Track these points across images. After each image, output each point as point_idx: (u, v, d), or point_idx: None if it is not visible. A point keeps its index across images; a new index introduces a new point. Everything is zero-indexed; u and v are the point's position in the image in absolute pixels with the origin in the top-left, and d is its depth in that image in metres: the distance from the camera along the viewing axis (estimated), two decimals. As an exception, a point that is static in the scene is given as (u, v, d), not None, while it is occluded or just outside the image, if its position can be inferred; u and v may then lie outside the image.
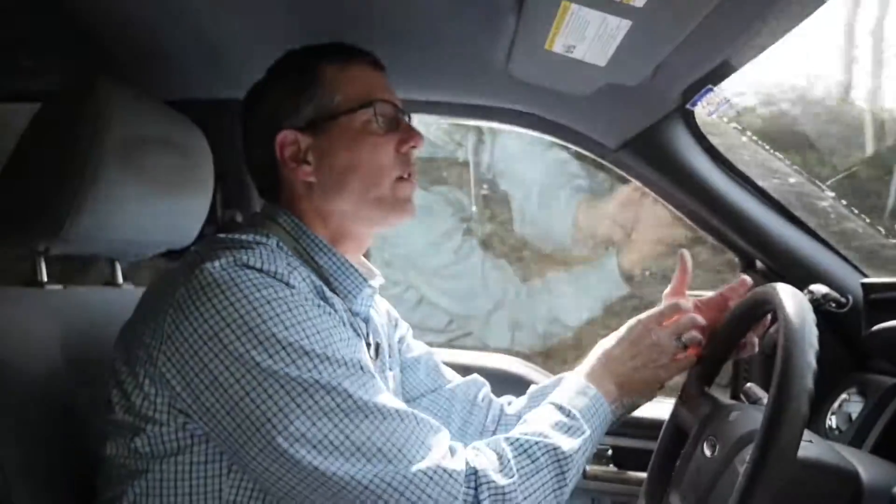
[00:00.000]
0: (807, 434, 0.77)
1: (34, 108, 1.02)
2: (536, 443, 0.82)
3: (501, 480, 0.77)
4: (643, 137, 1.32)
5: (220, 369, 0.71)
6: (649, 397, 0.98)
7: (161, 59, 1.27)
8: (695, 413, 0.99)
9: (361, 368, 0.76)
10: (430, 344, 1.24)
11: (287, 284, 0.76)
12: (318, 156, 0.91)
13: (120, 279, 1.23)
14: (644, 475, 1.08)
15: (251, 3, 1.07)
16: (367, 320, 0.99)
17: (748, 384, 1.00)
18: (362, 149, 0.90)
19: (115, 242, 1.06)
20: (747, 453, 0.79)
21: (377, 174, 0.91)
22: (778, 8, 0.92)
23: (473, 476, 0.77)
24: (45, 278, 1.04)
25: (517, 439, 0.83)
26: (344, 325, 0.84)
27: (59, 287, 1.05)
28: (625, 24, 0.86)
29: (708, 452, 0.87)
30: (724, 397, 0.96)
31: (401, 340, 1.16)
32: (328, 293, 0.85)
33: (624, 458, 1.45)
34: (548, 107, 1.36)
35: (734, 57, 1.09)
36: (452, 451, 0.79)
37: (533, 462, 0.81)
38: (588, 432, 0.87)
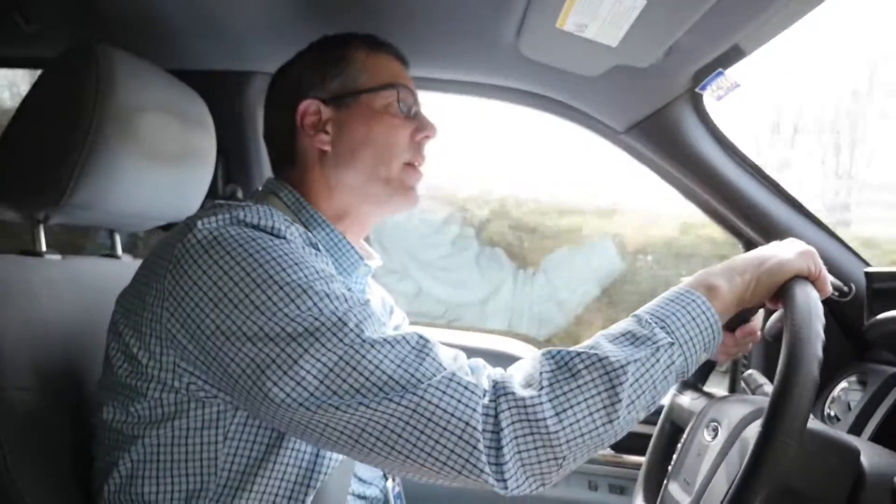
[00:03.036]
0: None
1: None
2: (579, 354, 0.71)
3: (524, 392, 0.69)
4: (651, 120, 1.31)
5: (222, 317, 0.70)
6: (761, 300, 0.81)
7: (163, 28, 1.25)
8: (690, 407, 1.00)
9: (361, 302, 0.75)
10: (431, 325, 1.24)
11: (283, 237, 0.77)
12: (336, 127, 0.94)
13: (119, 250, 1.22)
14: (641, 459, 1.09)
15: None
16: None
17: (749, 371, 1.01)
18: (379, 127, 0.94)
19: (115, 213, 1.04)
20: (749, 433, 0.80)
21: (389, 154, 0.94)
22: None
23: (494, 388, 0.70)
24: (44, 247, 1.03)
25: (559, 351, 0.73)
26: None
27: (57, 257, 1.04)
28: (640, 4, 0.85)
29: (709, 438, 0.87)
30: (724, 383, 0.96)
31: (397, 329, 1.15)
32: (323, 252, 0.85)
33: (621, 442, 1.46)
34: (556, 87, 1.35)
35: (745, 41, 1.08)
36: (472, 369, 0.75)
37: (572, 375, 0.70)
38: (665, 341, 0.72)
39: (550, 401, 0.68)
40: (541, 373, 0.71)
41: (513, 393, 0.69)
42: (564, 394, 0.69)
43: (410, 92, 0.97)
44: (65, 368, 0.92)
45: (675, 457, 0.95)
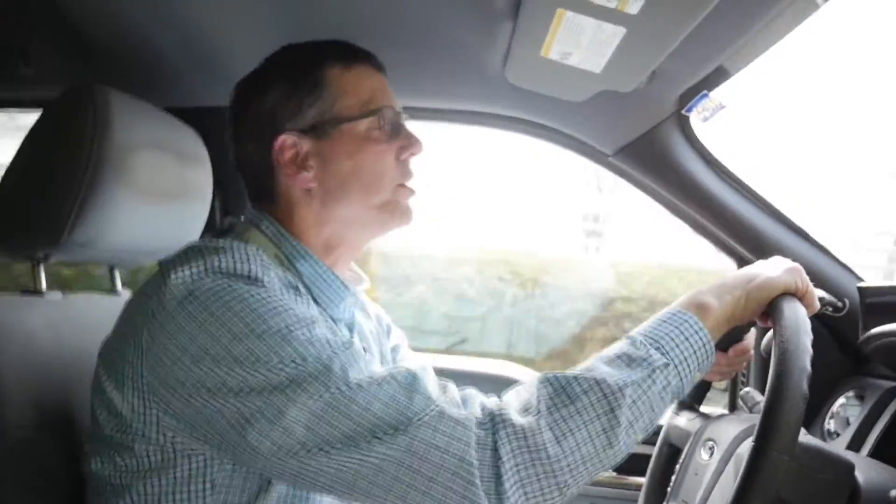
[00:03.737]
0: (803, 435, 0.77)
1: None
2: (576, 378, 0.70)
3: (521, 419, 0.68)
4: (639, 143, 1.33)
5: (202, 373, 0.69)
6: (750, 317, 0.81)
7: (159, 67, 1.27)
8: (687, 427, 1.00)
9: (345, 345, 0.73)
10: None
11: (260, 283, 0.74)
12: (319, 161, 0.88)
13: (119, 286, 1.23)
14: (642, 479, 1.09)
15: (248, 11, 1.08)
16: (350, 326, 0.97)
17: (745, 389, 1.01)
18: (365, 156, 0.88)
19: (115, 250, 1.06)
20: (743, 450, 0.80)
21: (379, 181, 0.90)
22: (772, 13, 0.93)
23: (490, 418, 0.69)
24: (44, 287, 1.04)
25: (555, 376, 0.72)
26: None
27: (58, 295, 1.05)
28: (620, 31, 0.87)
29: (705, 456, 0.88)
30: (718, 408, 0.96)
31: (395, 349, 1.13)
32: (303, 293, 0.83)
33: (622, 463, 1.45)
34: (544, 113, 1.37)
35: (729, 62, 1.10)
36: (464, 400, 0.73)
37: (571, 399, 0.69)
38: (661, 362, 0.72)
39: (550, 427, 0.68)
40: (538, 398, 0.70)
41: (511, 421, 0.68)
42: (564, 419, 0.68)
43: (391, 108, 0.91)
44: (65, 408, 0.92)
45: (673, 477, 0.95)
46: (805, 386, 0.67)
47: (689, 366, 0.74)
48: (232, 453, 0.71)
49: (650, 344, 0.74)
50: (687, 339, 0.75)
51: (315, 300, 0.87)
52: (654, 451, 1.08)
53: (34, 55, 1.27)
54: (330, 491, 0.70)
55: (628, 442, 0.70)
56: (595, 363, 0.73)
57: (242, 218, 0.94)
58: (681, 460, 0.95)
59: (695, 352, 0.74)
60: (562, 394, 0.70)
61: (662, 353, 0.73)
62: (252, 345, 0.69)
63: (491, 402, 0.73)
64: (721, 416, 0.94)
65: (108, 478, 0.78)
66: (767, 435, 0.66)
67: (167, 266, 0.75)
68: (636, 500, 1.11)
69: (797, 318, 0.74)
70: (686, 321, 0.76)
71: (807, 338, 0.71)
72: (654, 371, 0.71)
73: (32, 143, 0.99)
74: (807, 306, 0.80)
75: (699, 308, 0.77)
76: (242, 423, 0.68)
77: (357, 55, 0.93)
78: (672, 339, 0.74)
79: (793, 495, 0.71)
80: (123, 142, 0.98)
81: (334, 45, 0.93)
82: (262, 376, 0.68)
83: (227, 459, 0.75)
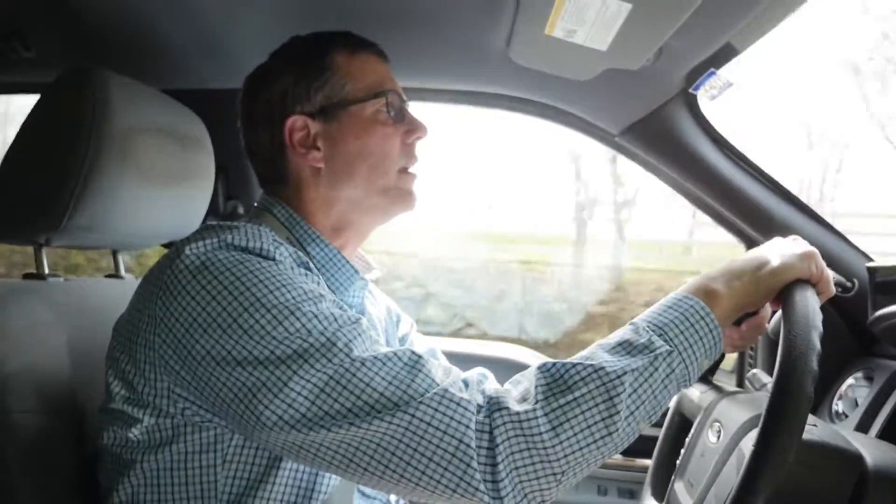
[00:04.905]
0: (811, 419, 0.76)
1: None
2: (574, 366, 0.70)
3: (519, 407, 0.68)
4: (646, 122, 1.31)
5: (211, 343, 0.70)
6: (761, 303, 0.79)
7: (159, 49, 1.26)
8: (699, 401, 0.99)
9: (352, 320, 0.74)
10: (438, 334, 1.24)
11: (271, 259, 0.76)
12: (327, 143, 0.91)
13: (122, 271, 1.23)
14: (649, 462, 1.08)
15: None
16: (361, 313, 0.98)
17: (753, 370, 1.00)
18: (372, 138, 0.92)
19: (116, 234, 1.05)
20: (752, 438, 0.79)
21: (384, 163, 0.92)
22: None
23: (488, 403, 0.69)
24: (46, 270, 1.04)
25: (553, 364, 0.71)
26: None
27: (60, 279, 1.05)
28: (625, 7, 0.85)
29: (713, 439, 0.87)
30: (730, 384, 0.95)
31: (404, 338, 1.15)
32: (315, 272, 0.84)
33: (630, 445, 1.45)
34: (549, 93, 1.35)
35: (736, 39, 1.08)
36: (467, 384, 0.74)
37: (568, 387, 0.68)
38: (663, 349, 0.71)
39: (546, 415, 0.67)
40: (536, 386, 0.70)
41: (507, 408, 0.68)
42: (560, 407, 0.67)
43: (396, 94, 0.95)
44: (69, 391, 0.92)
45: (682, 452, 0.95)
46: (810, 388, 0.65)
47: (694, 353, 0.73)
48: (238, 424, 0.72)
49: (653, 331, 0.73)
50: (692, 325, 0.73)
51: (325, 284, 0.88)
52: (666, 420, 1.07)
53: (34, 38, 1.26)
54: (330, 467, 0.70)
55: (629, 431, 0.69)
56: (595, 350, 0.73)
57: (255, 204, 0.97)
58: (689, 437, 0.95)
59: (701, 338, 0.73)
60: (560, 382, 0.69)
61: (666, 340, 0.72)
62: (260, 317, 0.70)
63: (490, 387, 0.73)
64: (731, 394, 0.93)
65: (119, 451, 0.80)
66: (770, 441, 0.64)
67: (182, 241, 0.77)
68: (641, 483, 1.11)
69: (807, 311, 0.71)
70: (692, 307, 0.74)
71: (816, 334, 0.68)
72: (656, 358, 0.70)
73: (32, 127, 0.98)
74: (821, 292, 0.78)
75: (707, 294, 0.76)
76: (247, 393, 0.69)
77: (362, 43, 0.96)
78: (677, 326, 0.73)
79: (798, 492, 0.70)
80: (123, 124, 0.97)
81: (340, 35, 0.96)
82: (267, 348, 0.69)
83: (234, 430, 0.76)
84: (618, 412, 0.68)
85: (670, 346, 0.71)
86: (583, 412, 0.67)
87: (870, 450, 0.75)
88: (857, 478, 0.72)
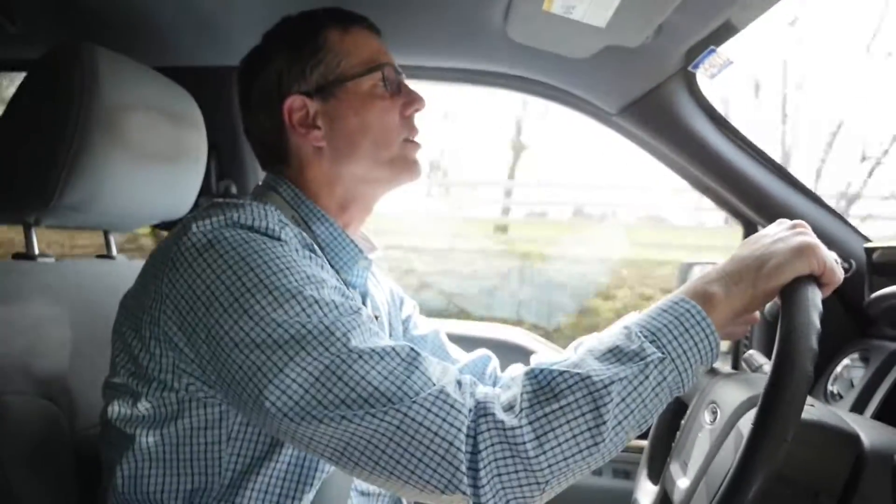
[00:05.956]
0: (808, 399, 0.76)
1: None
2: (561, 373, 0.68)
3: (504, 415, 0.67)
4: (644, 101, 1.30)
5: (213, 321, 0.70)
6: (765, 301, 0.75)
7: (150, 25, 1.24)
8: (694, 383, 0.99)
9: (353, 310, 0.73)
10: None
11: (276, 238, 0.76)
12: (327, 121, 0.91)
13: (114, 251, 1.22)
14: (644, 443, 1.08)
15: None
16: (364, 294, 0.98)
17: (749, 351, 1.00)
18: (371, 112, 0.92)
19: (107, 214, 1.04)
20: (749, 418, 0.79)
21: (387, 136, 0.92)
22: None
23: (475, 407, 0.68)
24: (36, 251, 1.03)
25: (541, 370, 0.70)
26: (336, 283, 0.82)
27: (51, 259, 1.04)
28: (625, -18, 0.84)
29: (709, 419, 0.87)
30: (726, 365, 0.95)
31: (407, 319, 1.15)
32: (319, 255, 0.84)
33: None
34: (547, 71, 1.33)
35: (736, 17, 1.07)
36: (461, 385, 0.72)
37: (554, 396, 0.67)
38: (655, 357, 0.69)
39: (531, 423, 0.66)
40: (522, 393, 0.68)
41: (493, 415, 0.67)
42: (546, 415, 0.66)
43: (392, 67, 0.94)
44: (59, 372, 0.92)
45: (678, 434, 0.95)
46: (810, 367, 0.64)
47: (688, 359, 0.70)
48: (238, 403, 0.72)
49: (646, 336, 0.71)
50: (687, 330, 0.71)
51: (330, 264, 0.89)
52: None
53: (20, 13, 1.24)
54: (323, 456, 0.70)
55: (616, 441, 0.68)
56: (585, 357, 0.71)
57: (259, 182, 0.97)
58: (685, 419, 0.95)
59: (696, 344, 0.71)
60: (546, 390, 0.68)
61: (658, 347, 0.70)
62: (261, 298, 0.70)
63: (480, 391, 0.72)
64: (727, 376, 0.93)
65: (123, 426, 0.80)
66: (769, 420, 0.63)
67: (189, 218, 0.78)
68: (636, 464, 1.11)
69: (807, 310, 0.69)
70: (687, 311, 0.72)
71: (814, 333, 0.67)
72: (647, 366, 0.68)
73: (19, 104, 0.96)
74: (825, 284, 0.75)
75: (704, 297, 0.73)
76: (246, 374, 0.69)
77: (353, 19, 0.95)
78: (671, 331, 0.71)
79: (795, 470, 0.70)
80: (113, 101, 0.95)
81: (330, 11, 0.95)
82: (265, 331, 0.69)
83: (238, 411, 0.76)
84: (605, 422, 0.66)
85: (662, 353, 0.69)
86: (568, 422, 0.66)
87: (867, 430, 0.75)
88: (854, 458, 0.72)
